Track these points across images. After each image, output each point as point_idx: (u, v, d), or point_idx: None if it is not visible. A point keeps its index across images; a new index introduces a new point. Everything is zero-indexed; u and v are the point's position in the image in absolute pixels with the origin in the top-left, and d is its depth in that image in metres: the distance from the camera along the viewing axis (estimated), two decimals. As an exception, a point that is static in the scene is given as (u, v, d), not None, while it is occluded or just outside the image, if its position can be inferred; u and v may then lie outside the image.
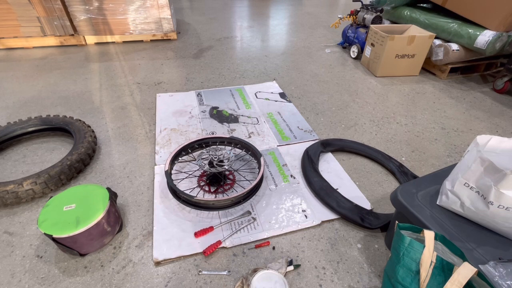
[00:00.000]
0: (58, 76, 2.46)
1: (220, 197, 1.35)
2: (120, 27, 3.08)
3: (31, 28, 2.86)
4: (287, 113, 2.03)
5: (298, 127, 1.88)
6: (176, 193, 1.30)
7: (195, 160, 1.52)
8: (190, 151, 1.54)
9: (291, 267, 1.06)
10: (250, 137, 1.78)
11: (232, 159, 1.41)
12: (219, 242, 1.14)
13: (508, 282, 0.73)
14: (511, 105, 2.21)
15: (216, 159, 1.39)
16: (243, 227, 1.21)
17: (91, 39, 3.12)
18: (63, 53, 2.91)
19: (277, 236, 1.20)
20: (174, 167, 1.47)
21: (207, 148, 1.57)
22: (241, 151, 1.59)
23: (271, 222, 1.25)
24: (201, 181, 1.43)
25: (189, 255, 1.11)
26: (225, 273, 1.05)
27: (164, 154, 1.61)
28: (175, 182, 1.34)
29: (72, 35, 3.03)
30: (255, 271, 0.99)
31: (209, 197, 1.35)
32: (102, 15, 2.94)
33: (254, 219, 1.26)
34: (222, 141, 1.58)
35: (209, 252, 1.10)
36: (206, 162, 1.38)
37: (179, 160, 1.51)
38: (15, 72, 2.51)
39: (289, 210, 1.30)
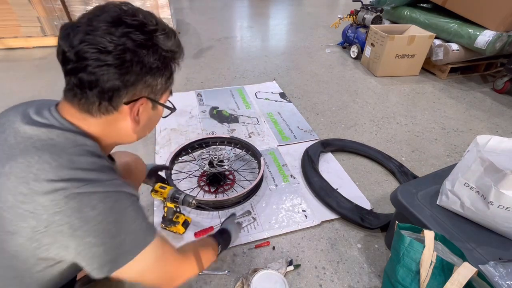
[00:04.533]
0: (58, 76, 2.44)
1: (220, 197, 1.35)
2: (120, 27, 3.08)
3: (31, 28, 2.86)
4: (287, 113, 2.03)
5: (298, 127, 1.88)
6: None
7: (195, 160, 1.52)
8: (190, 151, 1.54)
9: (291, 267, 1.06)
10: (250, 137, 1.78)
11: (232, 159, 1.41)
12: (219, 242, 1.14)
13: (508, 282, 0.73)
14: (511, 105, 2.21)
15: (216, 159, 1.39)
16: (243, 227, 1.21)
17: (91, 39, 3.12)
18: (63, 53, 2.91)
19: (277, 236, 1.20)
20: (174, 167, 1.47)
21: (207, 148, 1.57)
22: (241, 151, 1.59)
23: (271, 222, 1.25)
24: (201, 181, 1.43)
25: (189, 255, 1.11)
26: (225, 273, 1.05)
27: (164, 154, 1.61)
28: (175, 182, 1.35)
29: (72, 35, 3.03)
30: (255, 271, 0.99)
31: (209, 197, 1.35)
32: (102, 15, 2.95)
33: (254, 219, 1.26)
34: (222, 141, 1.58)
35: (209, 252, 1.10)
36: (206, 162, 1.38)
37: (179, 160, 1.51)
38: (15, 72, 2.51)
39: (289, 210, 1.30)
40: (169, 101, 0.65)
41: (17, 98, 2.14)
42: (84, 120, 0.54)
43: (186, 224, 1.18)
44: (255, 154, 1.48)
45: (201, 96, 2.20)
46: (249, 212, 1.28)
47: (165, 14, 3.10)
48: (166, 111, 0.65)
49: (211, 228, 1.20)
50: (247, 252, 1.13)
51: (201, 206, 1.24)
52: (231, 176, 1.47)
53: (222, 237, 0.94)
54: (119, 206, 0.51)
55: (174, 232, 1.17)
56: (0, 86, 2.30)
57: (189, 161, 1.55)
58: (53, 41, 3.02)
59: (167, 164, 1.37)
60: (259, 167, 1.39)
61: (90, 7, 2.69)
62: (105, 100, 0.51)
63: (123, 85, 0.51)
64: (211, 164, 1.37)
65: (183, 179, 1.44)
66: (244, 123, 1.91)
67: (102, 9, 0.51)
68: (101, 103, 0.52)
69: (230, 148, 1.59)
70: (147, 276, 0.58)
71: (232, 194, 1.34)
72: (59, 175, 0.47)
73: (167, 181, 1.25)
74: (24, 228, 0.46)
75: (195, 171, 1.48)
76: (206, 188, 1.39)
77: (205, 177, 1.44)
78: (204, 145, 1.57)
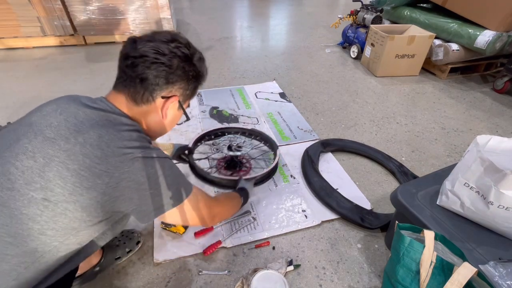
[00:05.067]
0: (58, 76, 2.46)
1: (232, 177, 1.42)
2: (120, 27, 3.08)
3: (31, 28, 2.86)
4: (287, 113, 2.03)
5: (298, 127, 1.88)
6: (195, 170, 1.39)
7: (216, 145, 1.64)
8: (213, 137, 1.64)
9: (291, 267, 1.06)
10: (243, 143, 1.77)
11: (249, 147, 1.51)
12: (219, 242, 1.14)
13: (508, 282, 0.73)
14: (511, 105, 2.21)
15: (235, 144, 1.49)
16: (243, 227, 1.22)
17: (91, 39, 3.12)
18: (63, 53, 2.91)
19: (277, 236, 1.20)
20: (197, 149, 1.57)
21: (228, 135, 1.68)
22: (259, 142, 1.66)
23: (271, 222, 1.25)
24: (219, 164, 1.51)
25: (189, 255, 1.11)
26: (225, 273, 1.05)
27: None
28: (196, 161, 1.44)
29: (72, 35, 3.03)
30: (255, 271, 0.99)
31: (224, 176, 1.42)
32: (102, 15, 2.95)
33: (254, 219, 1.26)
34: (243, 131, 1.67)
35: (209, 252, 1.10)
36: (225, 146, 1.49)
37: (202, 143, 1.61)
38: (15, 72, 2.51)
39: (289, 210, 1.31)
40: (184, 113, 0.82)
41: (17, 98, 2.14)
42: (130, 108, 0.70)
43: None
44: (272, 146, 1.55)
45: (201, 96, 2.20)
46: (249, 212, 1.28)
47: (165, 14, 3.10)
48: (182, 118, 0.83)
49: (211, 228, 1.20)
50: (247, 252, 1.13)
51: (215, 182, 1.34)
52: (247, 164, 1.52)
53: (243, 192, 1.17)
54: (168, 166, 0.70)
55: (174, 232, 1.17)
56: (0, 86, 2.30)
57: (211, 144, 1.65)
58: (53, 41, 3.02)
59: (191, 145, 1.46)
60: (274, 158, 1.46)
61: (90, 7, 2.68)
62: (148, 91, 0.69)
63: (166, 82, 0.69)
64: (229, 148, 1.46)
65: (204, 158, 1.55)
66: (244, 123, 1.91)
67: (160, 31, 0.71)
68: (144, 93, 0.69)
69: (250, 139, 1.68)
70: (193, 215, 0.78)
71: (245, 176, 1.41)
72: (124, 143, 0.62)
73: (188, 160, 1.36)
74: (99, 184, 0.58)
75: (215, 153, 1.59)
76: (223, 171, 1.48)
77: (224, 161, 1.52)
78: (226, 134, 1.67)
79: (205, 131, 1.59)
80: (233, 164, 1.50)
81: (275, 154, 1.49)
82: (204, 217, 0.82)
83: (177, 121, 0.82)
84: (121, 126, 0.65)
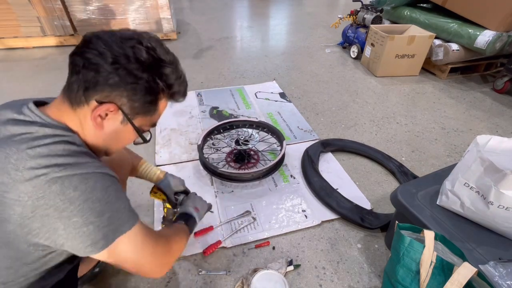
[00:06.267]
0: (58, 76, 2.46)
1: (241, 171, 1.46)
2: (120, 27, 3.07)
3: (31, 28, 2.86)
4: (287, 113, 2.03)
5: (298, 127, 1.88)
6: (206, 165, 1.44)
7: (225, 139, 1.66)
8: (222, 131, 1.67)
9: (291, 267, 1.06)
10: (250, 137, 1.78)
11: (256, 140, 1.54)
12: (219, 242, 1.14)
13: (508, 282, 0.73)
14: (511, 105, 2.21)
15: (242, 138, 1.53)
16: (243, 227, 1.22)
17: (91, 39, 3.12)
18: (63, 53, 2.91)
19: (277, 236, 1.20)
20: (206, 144, 1.60)
21: (236, 129, 1.70)
22: (266, 134, 1.69)
23: (271, 222, 1.25)
24: (228, 158, 1.56)
25: (189, 255, 1.11)
26: (225, 273, 1.05)
27: (164, 154, 1.62)
28: (206, 155, 1.50)
29: (72, 35, 3.03)
30: (255, 271, 0.99)
31: (233, 170, 1.47)
32: (102, 15, 2.94)
33: (254, 219, 1.26)
34: (251, 124, 1.70)
35: (209, 252, 1.10)
36: (233, 140, 1.53)
37: (211, 138, 1.64)
38: (15, 72, 2.51)
39: (289, 210, 1.31)
40: (149, 132, 0.68)
41: (17, 98, 2.14)
42: (67, 114, 0.57)
43: None
44: (279, 137, 1.57)
45: (201, 96, 2.20)
46: (249, 212, 1.28)
47: (165, 14, 3.10)
48: (137, 139, 0.68)
49: (211, 227, 1.20)
50: (247, 252, 1.13)
51: (224, 175, 1.38)
52: (255, 156, 1.58)
53: (190, 221, 0.88)
54: (100, 186, 0.53)
55: None
56: (0, 86, 2.30)
57: (219, 139, 1.68)
58: (53, 41, 3.02)
59: (200, 141, 1.48)
60: (281, 149, 1.47)
61: (90, 7, 2.68)
62: (81, 89, 0.55)
63: (103, 82, 0.54)
64: (237, 142, 1.49)
65: (213, 153, 1.61)
66: (244, 123, 1.91)
67: (134, 31, 0.61)
68: (78, 91, 0.55)
69: (257, 131, 1.69)
70: (136, 258, 0.59)
71: (252, 169, 1.47)
72: (38, 162, 0.49)
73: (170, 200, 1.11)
74: (12, 216, 0.48)
75: (224, 147, 1.63)
76: (232, 164, 1.53)
77: (232, 155, 1.58)
78: (234, 127, 1.69)
79: (213, 126, 1.62)
80: (241, 157, 1.55)
81: (281, 146, 1.52)
82: (152, 259, 0.61)
83: (126, 139, 0.66)
84: (42, 139, 0.51)
